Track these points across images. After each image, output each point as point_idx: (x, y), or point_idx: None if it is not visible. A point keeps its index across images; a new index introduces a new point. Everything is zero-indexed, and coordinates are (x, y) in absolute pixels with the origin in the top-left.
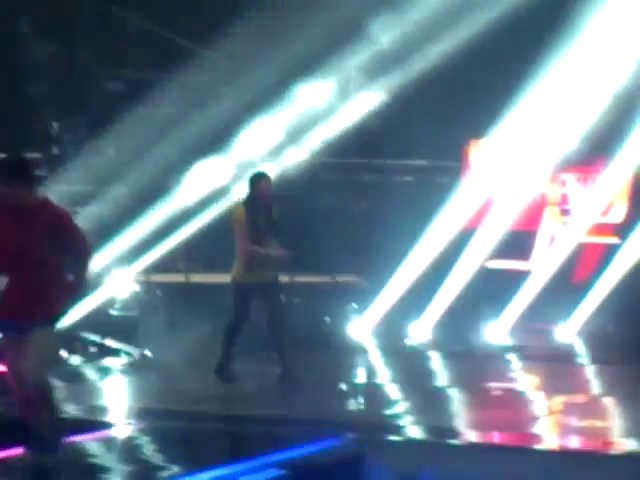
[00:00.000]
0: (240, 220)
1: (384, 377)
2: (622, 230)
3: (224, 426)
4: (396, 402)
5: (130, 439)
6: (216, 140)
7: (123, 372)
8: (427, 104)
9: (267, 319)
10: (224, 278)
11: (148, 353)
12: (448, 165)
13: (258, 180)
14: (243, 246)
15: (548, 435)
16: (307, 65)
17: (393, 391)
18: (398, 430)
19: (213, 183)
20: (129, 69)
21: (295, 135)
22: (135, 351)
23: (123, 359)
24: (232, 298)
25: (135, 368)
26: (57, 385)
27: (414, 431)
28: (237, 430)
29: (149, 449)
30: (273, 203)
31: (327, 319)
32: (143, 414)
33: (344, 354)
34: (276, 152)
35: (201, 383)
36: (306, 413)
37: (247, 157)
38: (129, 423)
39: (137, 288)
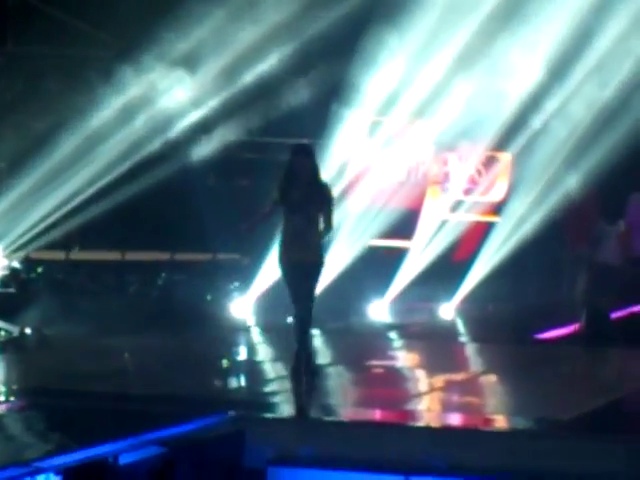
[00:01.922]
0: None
1: (265, 355)
2: (502, 209)
3: (104, 404)
4: (277, 379)
5: (7, 417)
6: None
7: (2, 350)
8: (311, 82)
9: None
10: (107, 256)
11: (28, 331)
12: (332, 144)
13: (292, 153)
14: None
15: (428, 412)
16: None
17: (274, 368)
18: (278, 407)
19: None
20: (8, 44)
21: (179, 115)
22: (14, 329)
23: (2, 336)
24: None
25: (15, 346)
26: None
27: (294, 409)
28: (118, 408)
29: (28, 427)
30: (312, 177)
31: (209, 296)
32: (22, 392)
33: (225, 332)
34: (162, 130)
35: (82, 360)
36: (187, 391)
37: (132, 136)
38: (7, 401)
39: (16, 265)
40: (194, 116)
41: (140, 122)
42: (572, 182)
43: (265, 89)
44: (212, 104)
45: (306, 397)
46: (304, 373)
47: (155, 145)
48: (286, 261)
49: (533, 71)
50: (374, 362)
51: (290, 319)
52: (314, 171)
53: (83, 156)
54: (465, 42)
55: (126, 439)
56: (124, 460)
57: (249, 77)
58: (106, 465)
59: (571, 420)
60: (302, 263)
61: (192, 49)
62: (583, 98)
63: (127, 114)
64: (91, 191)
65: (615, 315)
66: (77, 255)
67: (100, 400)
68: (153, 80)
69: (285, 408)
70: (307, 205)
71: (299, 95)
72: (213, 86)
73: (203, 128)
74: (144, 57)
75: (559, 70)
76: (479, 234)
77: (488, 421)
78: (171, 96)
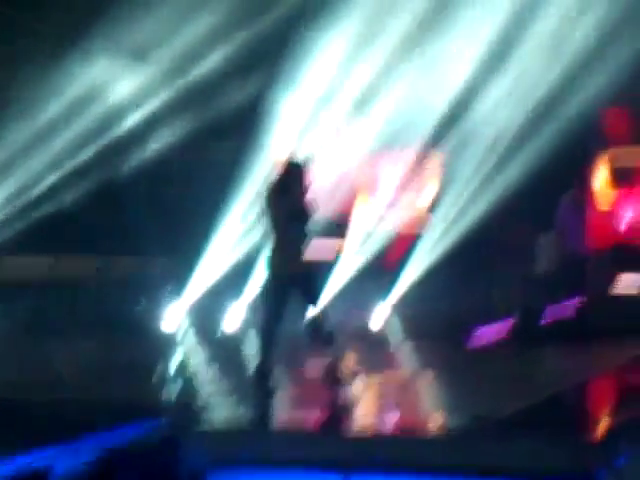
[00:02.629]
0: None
1: (200, 361)
2: (433, 209)
3: (39, 411)
4: (211, 385)
5: None
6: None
7: None
8: (241, 84)
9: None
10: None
11: None
12: (262, 145)
13: (287, 170)
14: None
15: (364, 416)
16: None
17: (208, 374)
18: (214, 415)
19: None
20: None
21: (111, 115)
22: None
23: None
24: None
25: None
26: None
27: (230, 414)
28: (53, 414)
29: None
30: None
31: (141, 302)
32: None
33: (159, 337)
34: (95, 131)
35: (13, 366)
36: (122, 397)
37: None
38: None
39: None
40: (128, 120)
41: (74, 125)
42: (503, 183)
43: (201, 93)
44: (147, 108)
45: (242, 404)
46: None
47: (89, 149)
48: (284, 274)
49: (464, 70)
50: (312, 365)
51: (223, 323)
52: (304, 188)
53: (18, 158)
54: (394, 43)
55: (61, 447)
56: (60, 469)
57: (183, 82)
58: (41, 475)
59: (506, 418)
60: (302, 273)
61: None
62: (515, 96)
63: (62, 116)
64: (25, 195)
65: (549, 313)
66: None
67: (32, 408)
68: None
69: (220, 414)
70: (300, 218)
71: (233, 99)
72: (148, 90)
73: (137, 132)
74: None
75: (491, 68)
76: (410, 237)
77: (425, 421)
78: (105, 100)
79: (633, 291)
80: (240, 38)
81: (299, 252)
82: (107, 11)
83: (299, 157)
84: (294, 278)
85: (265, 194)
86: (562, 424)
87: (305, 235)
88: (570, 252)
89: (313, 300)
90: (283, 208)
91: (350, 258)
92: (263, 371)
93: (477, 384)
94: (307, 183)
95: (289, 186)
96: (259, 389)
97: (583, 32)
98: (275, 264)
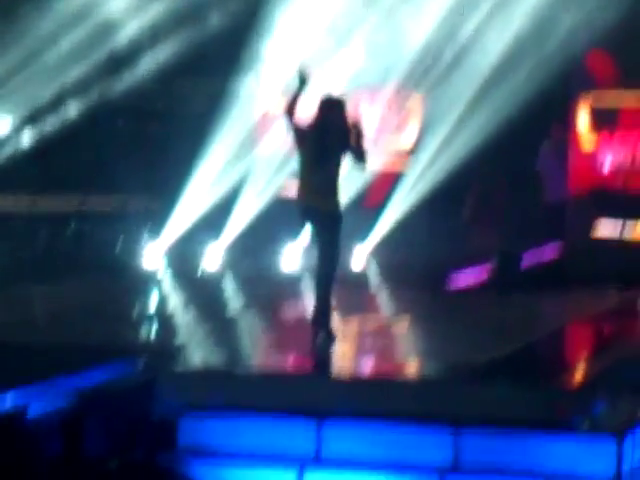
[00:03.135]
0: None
1: (176, 303)
2: (414, 150)
3: (11, 353)
4: (188, 328)
5: None
6: None
7: None
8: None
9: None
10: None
11: None
12: (240, 89)
13: (323, 108)
14: None
15: (340, 359)
16: None
17: (185, 317)
18: (189, 356)
19: None
20: None
21: (86, 57)
22: None
23: None
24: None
25: None
26: None
27: (205, 357)
28: (26, 357)
29: None
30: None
31: (119, 244)
32: None
33: (136, 280)
34: (67, 77)
35: None
36: (97, 339)
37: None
38: None
39: None
40: (105, 53)
41: (46, 57)
42: (483, 123)
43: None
44: (124, 42)
45: (219, 347)
46: (320, 335)
47: (63, 84)
48: (309, 209)
49: (443, 7)
50: (288, 309)
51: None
52: (345, 126)
53: None
54: None
55: (35, 388)
56: (33, 412)
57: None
58: (15, 416)
59: (484, 365)
60: (327, 212)
61: None
62: (493, 35)
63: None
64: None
65: (526, 260)
66: None
67: (6, 349)
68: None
69: (196, 357)
70: (335, 156)
71: (212, 36)
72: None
73: (114, 68)
74: None
75: (470, 6)
76: (391, 178)
77: (401, 367)
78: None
79: (614, 235)
80: None
81: (328, 192)
82: None
83: (335, 94)
84: (319, 216)
85: (302, 131)
86: (538, 372)
87: (337, 176)
88: (551, 197)
89: (327, 250)
90: (316, 146)
91: None
92: (315, 318)
93: (454, 331)
94: (346, 123)
95: (326, 129)
96: (313, 336)
97: None
98: (301, 201)
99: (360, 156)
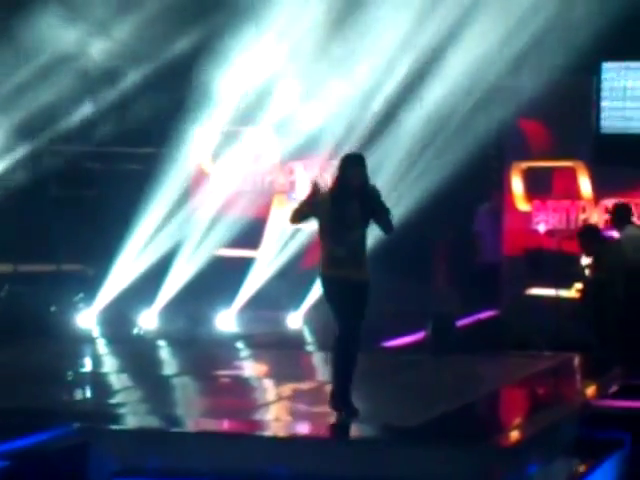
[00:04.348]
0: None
1: (111, 366)
2: None
3: None
4: (123, 391)
5: None
6: None
7: None
8: (160, 92)
9: None
10: None
11: None
12: (175, 153)
13: (347, 164)
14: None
15: (276, 421)
16: None
17: (120, 380)
18: (124, 419)
19: None
20: None
21: (25, 123)
22: None
23: None
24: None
25: None
26: None
27: (140, 419)
28: None
29: None
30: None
31: (53, 308)
32: None
33: (71, 343)
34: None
35: None
36: (31, 403)
37: None
38: None
39: None
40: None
41: None
42: (419, 186)
43: (115, 100)
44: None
45: (153, 408)
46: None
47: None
48: (338, 280)
49: (376, 76)
50: (221, 372)
51: (135, 329)
52: (367, 184)
53: None
54: (308, 48)
55: None
56: None
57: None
58: None
59: (419, 426)
60: (358, 282)
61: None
62: (427, 104)
63: None
64: None
65: (461, 323)
66: None
67: None
68: None
69: (130, 420)
70: (362, 221)
71: (147, 106)
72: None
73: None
74: None
75: (405, 75)
76: None
77: (336, 429)
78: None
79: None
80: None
81: (360, 260)
82: None
83: (353, 151)
84: (351, 287)
85: (323, 195)
86: (473, 433)
87: (365, 239)
88: (487, 258)
89: (358, 317)
90: (342, 212)
91: (267, 261)
92: (336, 398)
93: (389, 392)
94: (368, 181)
95: (350, 187)
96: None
97: (500, 44)
98: (330, 272)
99: (385, 219)
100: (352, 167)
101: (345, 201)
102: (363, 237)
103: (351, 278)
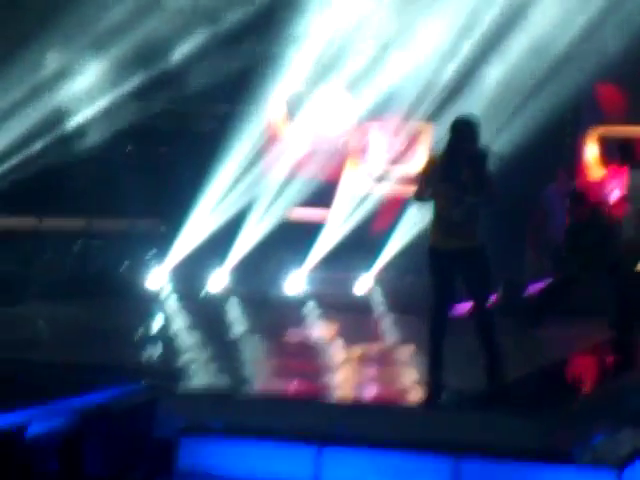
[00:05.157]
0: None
1: (181, 324)
2: None
3: (15, 372)
4: (191, 350)
5: None
6: None
7: None
8: (232, 51)
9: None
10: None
11: None
12: (250, 112)
13: (458, 127)
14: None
15: (344, 385)
16: None
17: (189, 339)
18: (192, 377)
19: None
20: None
21: (101, 80)
22: None
23: None
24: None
25: None
26: None
27: (208, 379)
28: (29, 375)
29: None
30: (481, 157)
31: (125, 265)
32: None
33: (142, 300)
34: (81, 100)
35: None
36: (101, 360)
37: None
38: None
39: None
40: (111, 84)
41: (59, 94)
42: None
43: (185, 59)
44: (129, 74)
45: (222, 369)
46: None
47: (74, 114)
48: (453, 250)
49: (454, 42)
50: (290, 333)
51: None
52: (480, 148)
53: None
54: (381, 14)
55: (37, 408)
56: (33, 430)
57: (168, 49)
58: (15, 435)
59: (487, 392)
60: (473, 250)
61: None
62: (502, 65)
63: (42, 88)
64: (7, 156)
65: (532, 289)
66: None
67: (10, 367)
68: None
69: (198, 379)
70: (477, 186)
71: (219, 64)
72: (130, 58)
73: (120, 96)
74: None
75: (481, 40)
76: (398, 205)
77: (402, 394)
78: (86, 72)
79: None
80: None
81: (473, 227)
82: None
83: (467, 116)
84: (460, 256)
85: (434, 159)
86: (540, 401)
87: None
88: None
89: (479, 290)
90: (454, 177)
91: (338, 223)
92: (431, 366)
93: (456, 359)
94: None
95: (462, 152)
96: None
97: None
98: (435, 239)
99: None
100: (464, 131)
101: (458, 166)
102: (477, 203)
103: (466, 245)
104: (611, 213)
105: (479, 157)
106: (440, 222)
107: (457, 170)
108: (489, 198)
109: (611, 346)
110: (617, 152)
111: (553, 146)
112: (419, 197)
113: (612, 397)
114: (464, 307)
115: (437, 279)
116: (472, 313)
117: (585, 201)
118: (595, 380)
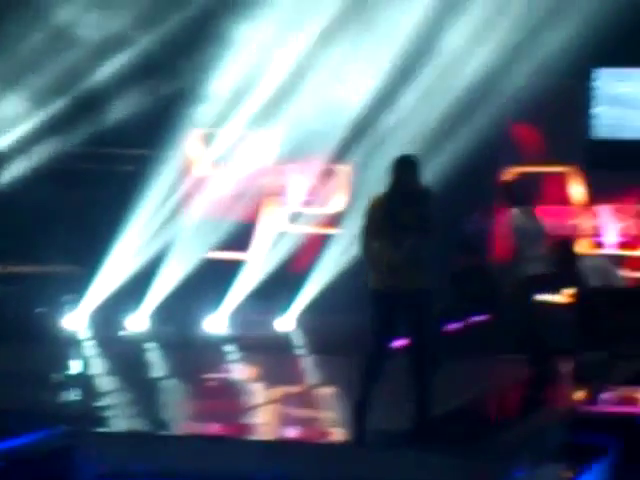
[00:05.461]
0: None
1: (99, 368)
2: (341, 220)
3: None
4: (109, 393)
5: None
6: None
7: None
8: (147, 93)
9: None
10: None
11: None
12: (168, 155)
13: (400, 166)
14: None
15: (263, 425)
16: None
17: (107, 383)
18: (110, 422)
19: None
20: None
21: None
22: None
23: None
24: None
25: None
26: None
27: (127, 423)
28: None
29: None
30: (423, 195)
31: (41, 309)
32: None
33: (58, 345)
34: None
35: None
36: (17, 405)
37: None
38: None
39: None
40: (26, 126)
41: None
42: None
43: (101, 99)
44: (46, 115)
45: (141, 411)
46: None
47: None
48: (394, 292)
49: (373, 81)
50: (209, 375)
51: (124, 331)
52: (421, 185)
53: None
54: (303, 53)
55: None
56: None
57: (83, 87)
58: None
59: (406, 430)
60: (416, 291)
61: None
62: (423, 108)
63: None
64: None
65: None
66: None
67: None
68: None
69: (116, 423)
70: (421, 225)
71: (136, 105)
72: (45, 98)
73: (36, 138)
74: None
75: (399, 80)
76: (317, 246)
77: (324, 434)
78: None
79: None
80: (143, 45)
81: (420, 267)
82: None
83: (408, 155)
84: (402, 299)
85: (376, 200)
86: (460, 436)
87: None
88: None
89: (417, 332)
90: (397, 219)
91: (257, 263)
92: (359, 407)
93: (378, 396)
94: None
95: (404, 191)
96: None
97: (489, 47)
98: (377, 280)
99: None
100: (405, 169)
101: (400, 206)
102: (421, 243)
103: (408, 287)
104: (495, 256)
105: (421, 197)
106: (381, 263)
107: (398, 211)
108: (426, 235)
109: (531, 382)
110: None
111: (470, 186)
112: (366, 247)
113: (533, 433)
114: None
115: (377, 322)
116: (408, 351)
117: (469, 249)
118: (517, 416)
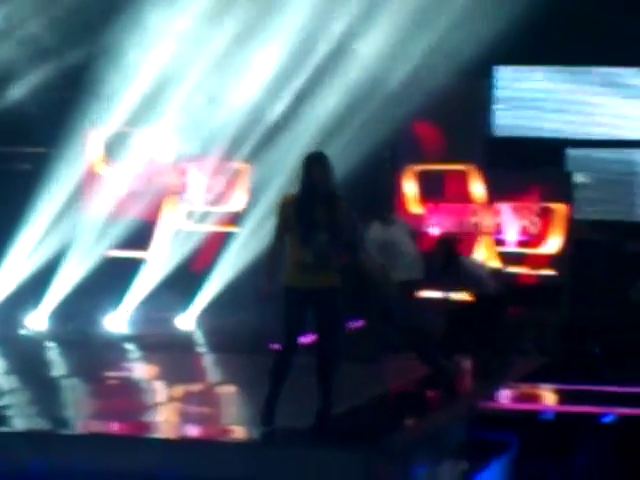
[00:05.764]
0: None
1: None
2: (241, 218)
3: None
4: (9, 393)
5: None
6: None
7: None
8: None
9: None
10: None
11: None
12: (66, 153)
13: (310, 163)
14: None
15: (165, 423)
16: None
17: (6, 382)
18: (10, 421)
19: None
20: None
21: None
22: None
23: None
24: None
25: None
26: None
27: (27, 422)
28: None
29: None
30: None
31: None
32: None
33: None
34: None
35: None
36: None
37: None
38: None
39: None
40: None
41: None
42: None
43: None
44: None
45: (39, 410)
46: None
47: None
48: (304, 289)
49: (267, 77)
50: (111, 373)
51: (22, 330)
52: (333, 183)
53: None
54: (206, 52)
55: None
56: None
57: None
58: None
59: (306, 428)
60: (325, 290)
61: None
62: (317, 104)
63: None
64: None
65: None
66: None
67: None
68: None
69: (16, 422)
70: (331, 223)
71: (32, 103)
72: None
73: None
74: None
75: (293, 78)
76: (217, 244)
77: (225, 432)
78: None
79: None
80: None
81: (328, 266)
82: None
83: (318, 152)
84: (311, 296)
85: (287, 198)
86: (359, 435)
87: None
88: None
89: (325, 331)
90: (307, 216)
91: (157, 262)
92: (266, 407)
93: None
94: (333, 179)
95: (314, 187)
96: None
97: (387, 43)
98: (288, 277)
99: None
100: (315, 167)
101: (310, 204)
102: (330, 243)
103: (317, 285)
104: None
105: (332, 194)
106: (292, 261)
107: (309, 208)
108: (343, 239)
109: (431, 380)
110: None
111: (371, 184)
112: (276, 245)
113: (432, 430)
114: (309, 338)
115: (287, 319)
116: (316, 349)
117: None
118: (414, 414)
